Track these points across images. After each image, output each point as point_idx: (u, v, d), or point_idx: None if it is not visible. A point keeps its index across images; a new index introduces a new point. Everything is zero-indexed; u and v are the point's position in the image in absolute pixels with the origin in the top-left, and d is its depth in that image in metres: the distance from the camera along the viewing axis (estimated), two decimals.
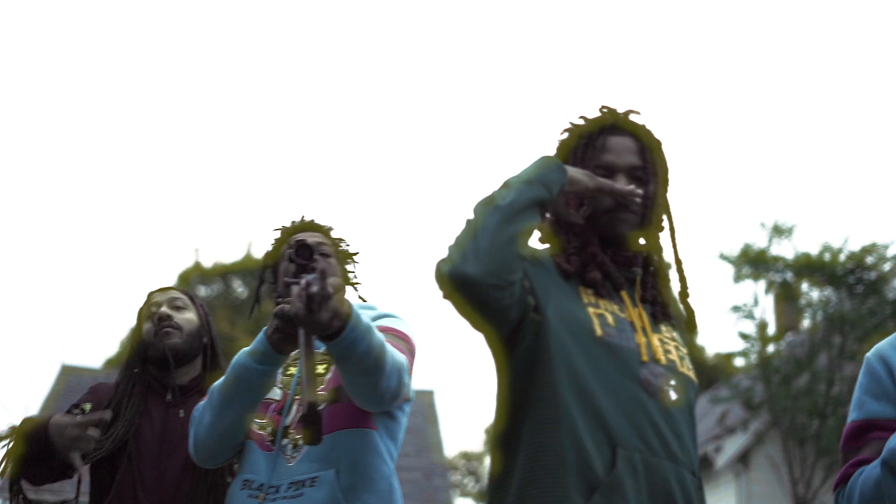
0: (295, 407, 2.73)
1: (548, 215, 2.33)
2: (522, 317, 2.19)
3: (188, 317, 3.47)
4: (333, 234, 3.08)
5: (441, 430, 19.03)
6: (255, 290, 3.20)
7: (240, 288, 35.14)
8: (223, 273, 34.42)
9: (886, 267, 13.94)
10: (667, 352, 2.31)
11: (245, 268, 34.59)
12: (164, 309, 3.43)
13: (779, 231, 16.61)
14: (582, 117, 2.44)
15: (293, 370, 2.82)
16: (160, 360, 3.37)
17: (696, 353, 2.46)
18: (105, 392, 3.41)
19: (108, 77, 47.39)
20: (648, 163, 2.40)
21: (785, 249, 16.71)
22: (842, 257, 13.46)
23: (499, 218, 2.15)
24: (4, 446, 3.19)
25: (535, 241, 2.35)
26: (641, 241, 2.42)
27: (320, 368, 2.78)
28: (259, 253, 38.62)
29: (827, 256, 13.56)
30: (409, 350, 2.70)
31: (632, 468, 2.12)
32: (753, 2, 41.85)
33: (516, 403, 2.20)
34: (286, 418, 2.73)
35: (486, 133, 51.60)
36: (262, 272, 3.17)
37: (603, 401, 2.16)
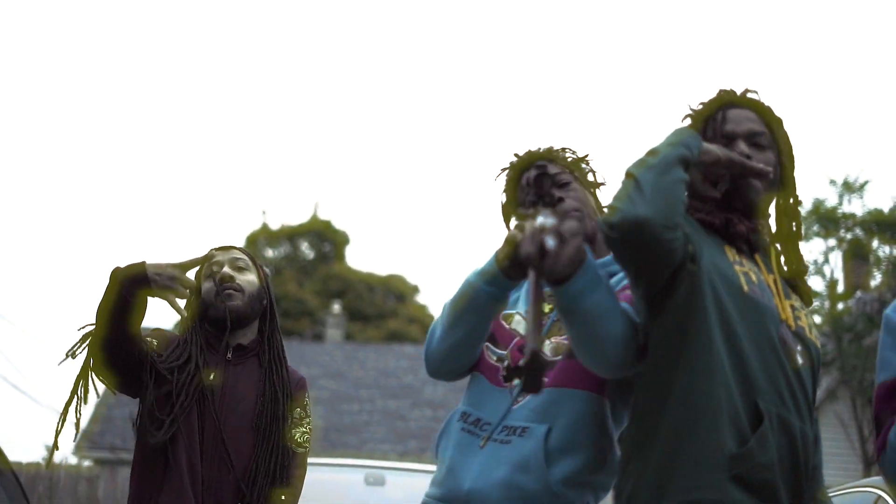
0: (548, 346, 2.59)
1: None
2: (682, 263, 2.22)
3: (250, 278, 3.38)
4: (568, 157, 2.79)
5: None
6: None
7: (307, 249, 35.39)
8: (290, 235, 34.71)
9: None
10: (797, 318, 2.37)
11: (311, 229, 34.88)
12: (226, 269, 3.35)
13: (849, 188, 16.34)
14: (701, 102, 2.49)
15: (549, 308, 2.62)
16: (219, 320, 3.31)
17: None
18: (171, 338, 3.36)
19: (172, 42, 47.74)
20: (770, 131, 2.45)
21: (855, 206, 16.47)
22: None
23: (656, 170, 2.22)
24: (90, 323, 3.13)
25: None
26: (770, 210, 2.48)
27: None
28: (324, 215, 38.91)
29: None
30: None
31: (770, 420, 2.18)
32: None
33: (668, 351, 2.23)
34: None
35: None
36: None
37: (750, 353, 2.21)
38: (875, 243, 16.38)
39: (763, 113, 2.46)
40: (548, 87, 51.33)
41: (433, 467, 6.37)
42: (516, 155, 2.79)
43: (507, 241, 2.37)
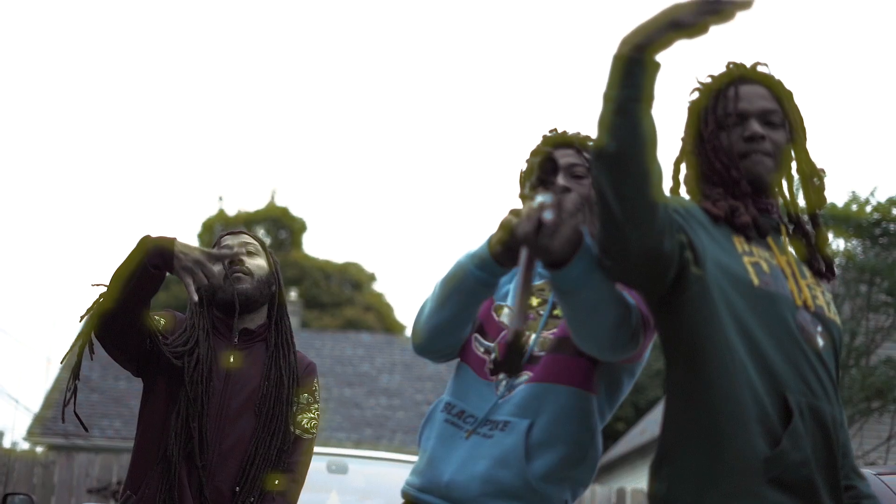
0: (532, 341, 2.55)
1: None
2: (682, 271, 2.17)
3: (259, 263, 3.37)
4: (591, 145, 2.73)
5: None
6: None
7: (263, 236, 35.22)
8: (247, 221, 34.52)
9: None
10: (815, 297, 2.33)
11: (268, 216, 34.74)
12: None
13: None
14: (709, 75, 2.43)
15: (536, 301, 2.61)
16: (227, 303, 3.29)
17: None
18: (180, 319, 3.34)
19: (128, 29, 47.28)
20: (782, 109, 2.39)
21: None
22: (868, 208, 13.34)
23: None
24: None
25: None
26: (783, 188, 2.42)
27: (558, 311, 2.56)
28: (282, 201, 38.71)
29: (854, 207, 13.47)
30: None
31: (800, 412, 2.15)
32: None
33: (686, 357, 2.19)
34: None
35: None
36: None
37: (768, 347, 2.17)
38: (829, 236, 16.55)
39: (774, 87, 2.40)
40: (503, 71, 51.37)
41: (394, 455, 6.34)
42: (552, 131, 2.75)
43: (501, 225, 2.34)
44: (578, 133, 2.72)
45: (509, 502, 2.46)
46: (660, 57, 2.09)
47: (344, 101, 52.21)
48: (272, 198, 35.47)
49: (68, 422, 3.33)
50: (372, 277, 36.00)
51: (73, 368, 3.26)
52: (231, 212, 35.14)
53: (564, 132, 2.74)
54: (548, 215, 2.04)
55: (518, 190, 2.75)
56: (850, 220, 13.36)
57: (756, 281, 2.22)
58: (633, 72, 2.07)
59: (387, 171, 53.47)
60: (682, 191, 2.42)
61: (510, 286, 2.64)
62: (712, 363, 2.14)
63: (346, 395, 22.56)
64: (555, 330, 2.56)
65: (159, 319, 3.25)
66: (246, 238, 3.43)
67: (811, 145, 2.44)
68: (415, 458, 2.78)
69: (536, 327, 2.56)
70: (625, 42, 2.08)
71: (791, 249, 2.39)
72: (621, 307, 2.29)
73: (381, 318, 33.39)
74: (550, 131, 2.77)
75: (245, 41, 52.17)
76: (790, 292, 2.27)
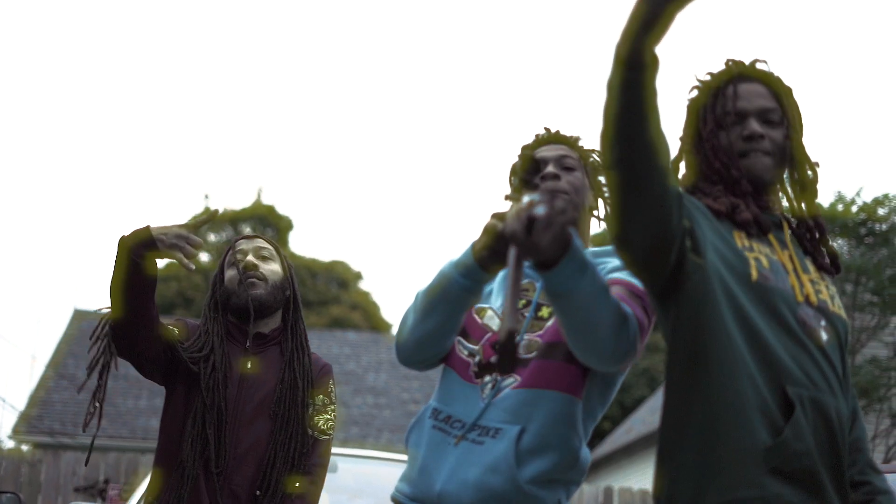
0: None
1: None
2: (682, 257, 2.16)
3: (273, 268, 3.37)
4: (582, 145, 2.75)
5: None
6: None
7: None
8: (233, 219, 34.44)
9: None
10: (818, 292, 2.32)
11: (254, 214, 34.64)
12: (250, 258, 3.34)
13: None
14: (709, 73, 2.42)
15: (521, 302, 2.57)
16: (242, 309, 3.29)
17: None
18: (193, 327, 3.35)
19: (115, 26, 47.17)
20: (781, 106, 2.39)
21: None
22: (854, 208, 13.40)
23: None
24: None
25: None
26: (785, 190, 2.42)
27: (545, 312, 2.56)
28: (268, 199, 38.69)
29: (840, 207, 13.53)
30: (645, 309, 2.43)
31: (801, 404, 2.14)
32: None
33: (687, 349, 2.19)
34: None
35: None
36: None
37: (769, 340, 2.16)
38: None
39: (773, 85, 2.40)
40: (489, 70, 51.43)
41: (385, 454, 6.35)
42: (545, 130, 2.76)
43: (485, 230, 2.33)
44: (557, 131, 2.75)
45: None
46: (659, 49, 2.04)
47: (330, 100, 52.20)
48: (258, 196, 35.37)
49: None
50: (358, 276, 35.97)
51: (97, 392, 3.27)
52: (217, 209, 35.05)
53: (557, 132, 2.75)
54: (539, 210, 2.02)
55: (506, 191, 2.73)
56: (836, 220, 13.42)
57: (755, 275, 2.22)
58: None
59: (373, 170, 53.45)
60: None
61: (492, 287, 2.64)
62: (712, 353, 2.14)
63: None
64: (540, 332, 2.55)
65: (173, 329, 3.25)
66: (261, 243, 3.44)
67: (807, 142, 2.43)
68: (404, 458, 2.77)
69: (520, 330, 2.55)
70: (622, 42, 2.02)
71: (793, 245, 2.39)
72: (616, 310, 2.28)
73: (367, 316, 33.36)
74: (542, 131, 2.77)
75: (232, 40, 52.11)
76: (791, 287, 2.27)
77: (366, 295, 35.17)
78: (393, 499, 2.63)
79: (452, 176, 55.86)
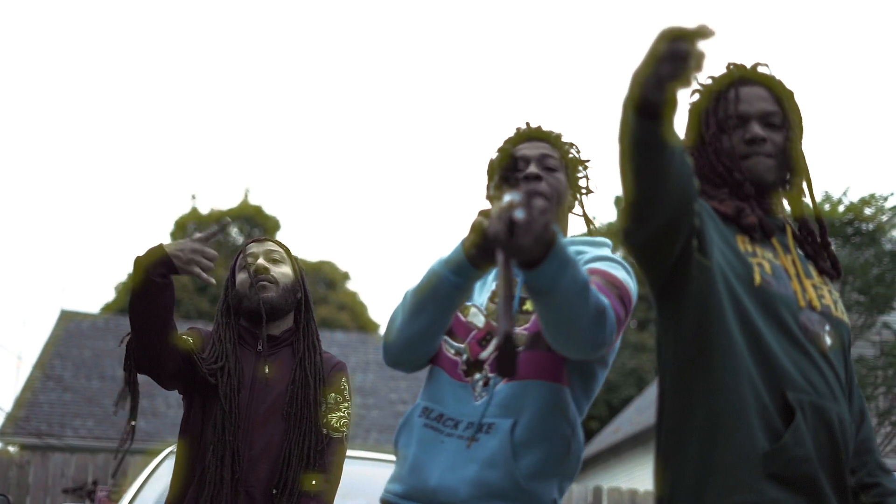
0: (495, 341, 2.49)
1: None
2: (687, 253, 2.15)
3: (284, 271, 3.38)
4: (563, 141, 2.73)
5: None
6: None
7: (237, 235, 35.14)
8: (220, 219, 34.36)
9: (884, 218, 13.95)
10: (821, 297, 2.31)
11: (242, 214, 34.59)
12: (261, 261, 3.35)
13: None
14: (710, 77, 2.42)
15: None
16: (253, 312, 3.30)
17: None
18: (206, 335, 3.35)
19: (104, 27, 47.05)
20: (782, 110, 2.39)
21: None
22: (841, 208, 13.44)
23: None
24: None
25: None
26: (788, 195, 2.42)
27: (528, 306, 2.54)
28: (255, 200, 38.62)
29: (826, 207, 13.57)
30: (621, 299, 2.42)
31: (801, 410, 2.13)
32: None
33: (689, 351, 2.18)
34: (485, 351, 2.55)
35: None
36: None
37: (771, 345, 2.16)
38: None
39: (774, 88, 2.40)
40: (475, 69, 51.45)
41: (377, 455, 6.36)
42: (526, 125, 2.74)
43: (472, 228, 2.31)
44: (552, 130, 2.72)
45: (499, 503, 2.45)
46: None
47: (317, 100, 52.12)
48: (245, 196, 35.34)
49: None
50: (346, 276, 35.93)
51: (132, 412, 3.25)
52: (204, 210, 34.99)
53: (539, 127, 2.73)
54: (519, 214, 1.98)
55: (485, 188, 2.73)
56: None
57: (758, 280, 2.21)
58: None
59: (361, 170, 53.41)
60: None
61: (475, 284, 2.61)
62: (715, 356, 2.14)
63: None
64: (527, 325, 2.54)
65: (188, 339, 3.26)
66: (271, 246, 3.45)
67: (806, 145, 2.44)
68: (393, 458, 2.75)
69: (515, 333, 2.50)
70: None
71: (796, 249, 2.39)
72: (596, 305, 2.27)
73: (355, 316, 33.32)
74: (522, 126, 2.75)
75: (220, 41, 52.03)
76: (794, 292, 2.27)
77: (353, 295, 35.13)
78: (383, 500, 2.61)
79: (439, 176, 55.87)
